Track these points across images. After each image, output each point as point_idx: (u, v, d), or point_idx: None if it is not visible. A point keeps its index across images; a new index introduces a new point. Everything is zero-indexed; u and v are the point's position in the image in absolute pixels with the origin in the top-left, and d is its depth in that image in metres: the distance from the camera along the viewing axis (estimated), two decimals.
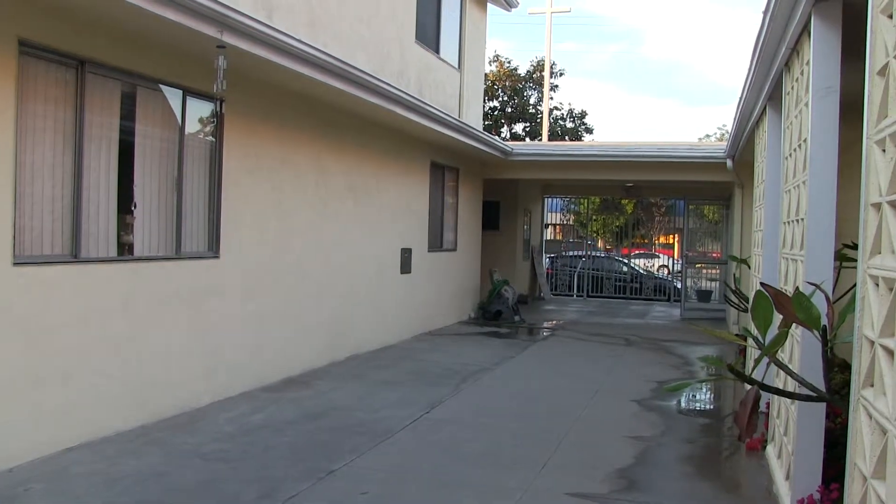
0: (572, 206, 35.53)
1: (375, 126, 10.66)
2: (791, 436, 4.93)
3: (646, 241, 47.64)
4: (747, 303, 11.14)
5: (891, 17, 2.85)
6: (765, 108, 8.33)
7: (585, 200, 37.48)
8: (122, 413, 6.23)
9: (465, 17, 14.47)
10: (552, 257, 24.13)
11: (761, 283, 4.19)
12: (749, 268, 11.67)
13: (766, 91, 7.65)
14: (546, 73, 24.19)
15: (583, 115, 32.11)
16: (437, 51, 13.13)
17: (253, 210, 8.01)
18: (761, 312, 3.98)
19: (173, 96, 6.82)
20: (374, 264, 10.98)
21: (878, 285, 2.85)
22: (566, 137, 31.24)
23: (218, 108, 7.32)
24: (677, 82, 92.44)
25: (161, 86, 6.69)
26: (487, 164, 15.69)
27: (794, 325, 3.91)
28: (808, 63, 5.33)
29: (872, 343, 2.85)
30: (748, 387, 3.82)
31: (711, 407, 8.81)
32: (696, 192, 18.66)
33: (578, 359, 11.21)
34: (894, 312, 2.63)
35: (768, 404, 6.53)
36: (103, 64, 5.98)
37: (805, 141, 5.32)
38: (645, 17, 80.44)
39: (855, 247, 8.15)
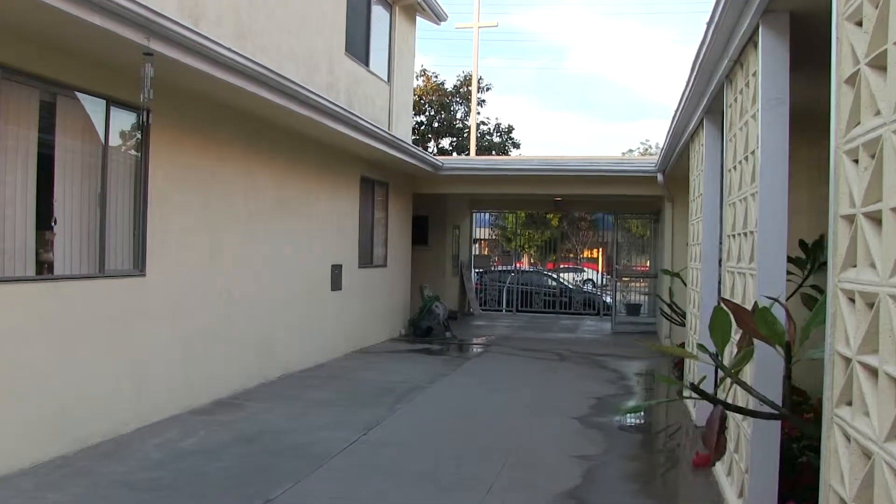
0: (498, 222, 35.67)
1: (306, 140, 10.38)
2: (744, 453, 4.87)
3: (571, 255, 48.39)
4: (683, 317, 11.26)
5: (859, 23, 2.79)
6: (702, 121, 8.38)
7: (511, 215, 37.76)
8: (39, 442, 5.78)
9: (395, 31, 14.31)
10: (480, 272, 24.08)
11: (721, 298, 4.13)
12: (683, 281, 11.80)
13: (705, 104, 7.69)
14: (474, 88, 24.20)
15: (510, 129, 32.30)
16: (366, 63, 12.92)
17: (181, 225, 7.63)
18: (719, 328, 3.88)
19: (96, 106, 6.42)
20: (305, 281, 10.67)
21: (853, 300, 2.76)
22: (493, 152, 31.35)
23: (144, 119, 6.93)
24: (597, 98, 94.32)
25: (83, 95, 6.28)
26: (417, 179, 15.52)
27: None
28: (754, 74, 5.33)
29: (848, 360, 2.76)
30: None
31: (648, 422, 8.78)
32: (625, 207, 18.88)
33: (513, 375, 11.09)
34: (875, 328, 2.53)
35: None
36: (20, 70, 5.57)
37: (752, 153, 5.29)
38: (566, 33, 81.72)
39: (792, 260, 8.28)
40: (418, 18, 15.75)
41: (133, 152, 7.02)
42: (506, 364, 12.20)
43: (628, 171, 14.69)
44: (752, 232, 5.25)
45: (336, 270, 11.74)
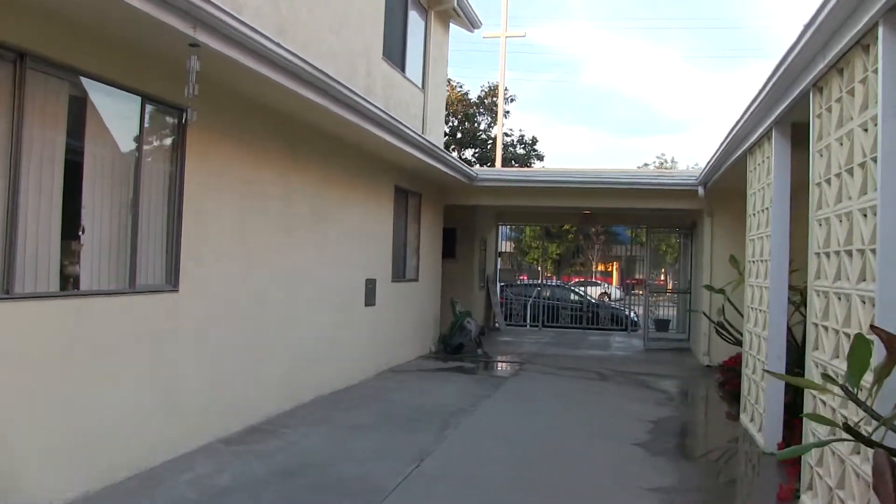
0: (513, 234, 35.04)
1: (341, 146, 9.81)
2: (854, 491, 4.27)
3: (584, 268, 47.75)
4: (735, 336, 10.61)
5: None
6: (769, 132, 7.80)
7: (528, 228, 37.10)
8: (62, 477, 5.18)
9: (430, 37, 13.77)
10: (503, 286, 23.45)
11: (871, 326, 3.50)
12: (728, 298, 11.14)
13: (779, 114, 7.12)
14: (500, 98, 23.61)
15: (534, 141, 31.73)
16: (402, 69, 12.37)
17: (215, 236, 7.06)
18: (858, 358, 3.32)
19: (130, 103, 5.84)
20: (339, 296, 10.07)
21: None
22: (515, 164, 30.76)
23: (181, 119, 6.37)
24: (607, 113, 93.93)
25: (116, 90, 5.69)
26: (449, 190, 14.94)
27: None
28: (862, 81, 4.77)
29: None
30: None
31: (709, 447, 8.13)
32: (657, 221, 18.22)
33: (558, 396, 10.44)
34: None
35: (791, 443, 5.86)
36: (48, 59, 4.99)
37: (862, 164, 4.73)
38: (577, 47, 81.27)
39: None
40: (451, 25, 15.22)
41: (169, 154, 6.45)
42: (546, 384, 11.56)
43: (668, 185, 14.08)
44: (863, 250, 4.65)
45: (370, 285, 11.14)
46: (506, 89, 29.36)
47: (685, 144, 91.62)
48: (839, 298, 5.13)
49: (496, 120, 29.70)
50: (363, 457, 6.72)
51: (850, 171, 5.03)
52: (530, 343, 17.36)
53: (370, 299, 11.15)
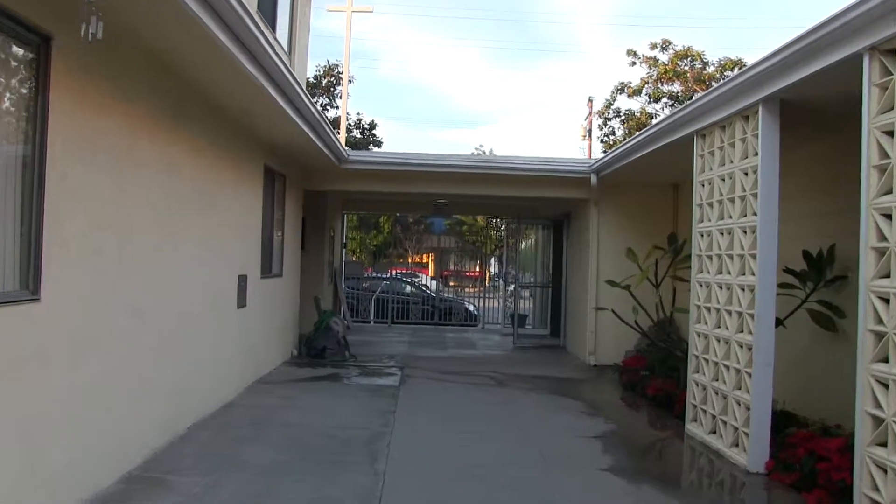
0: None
1: (217, 113, 7.93)
2: None
3: (400, 259, 46.96)
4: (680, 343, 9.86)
5: None
6: (756, 107, 6.95)
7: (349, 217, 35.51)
8: None
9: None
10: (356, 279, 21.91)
11: None
12: (632, 295, 10.36)
13: (779, 89, 6.25)
14: (346, 73, 21.67)
15: (372, 126, 30.13)
16: (273, 29, 10.50)
17: (87, 220, 5.10)
18: None
19: None
20: (213, 297, 8.19)
21: None
22: (354, 149, 29.10)
23: (44, 51, 4.43)
24: (408, 106, 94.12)
25: None
26: (313, 172, 13.18)
27: None
28: None
29: None
30: None
31: (680, 469, 7.18)
32: (525, 211, 17.36)
33: (470, 409, 9.11)
34: None
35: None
36: None
37: None
38: (375, 38, 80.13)
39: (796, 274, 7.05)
40: None
41: (24, 100, 4.46)
42: (445, 393, 10.27)
43: (558, 172, 13.15)
44: None
45: (242, 283, 9.29)
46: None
47: (488, 137, 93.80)
48: None
49: (333, 102, 27.94)
50: None
51: None
52: (392, 343, 15.96)
53: (241, 300, 9.30)
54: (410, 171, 13.04)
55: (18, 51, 4.35)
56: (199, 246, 7.55)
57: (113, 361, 5.55)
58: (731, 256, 7.36)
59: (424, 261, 50.93)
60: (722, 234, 7.59)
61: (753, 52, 60.08)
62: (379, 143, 30.69)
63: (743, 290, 7.07)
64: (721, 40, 66.55)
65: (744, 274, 7.07)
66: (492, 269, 40.75)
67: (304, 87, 8.47)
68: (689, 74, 27.79)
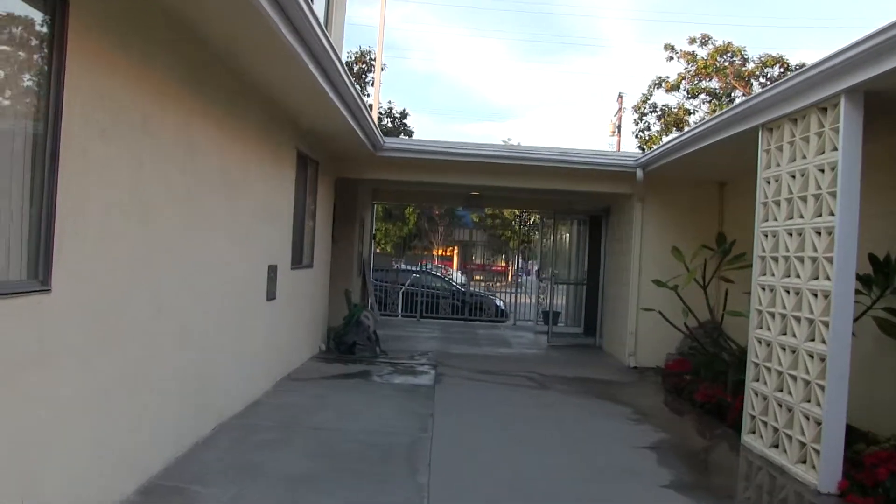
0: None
1: (247, 87, 7.39)
2: None
3: (426, 252, 46.35)
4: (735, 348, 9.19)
5: None
6: (821, 104, 6.29)
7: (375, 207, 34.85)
8: None
9: None
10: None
11: None
12: (679, 296, 9.72)
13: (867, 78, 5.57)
14: (378, 61, 21.09)
15: (403, 114, 29.52)
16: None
17: (104, 201, 4.55)
18: None
19: None
20: (241, 288, 7.66)
21: None
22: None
23: (58, 14, 3.88)
24: (433, 98, 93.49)
25: None
26: (346, 160, 12.61)
27: None
28: None
29: None
30: None
31: (746, 486, 6.55)
32: (561, 206, 16.66)
33: (510, 413, 8.50)
34: None
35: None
36: None
37: None
38: (403, 32, 79.43)
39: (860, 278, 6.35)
40: None
41: (38, 67, 3.92)
42: (482, 394, 9.70)
43: (603, 165, 12.48)
44: None
45: (272, 274, 8.75)
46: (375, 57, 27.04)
47: (515, 131, 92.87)
48: None
49: (364, 90, 27.36)
50: None
51: None
52: (422, 338, 15.39)
53: (271, 292, 8.77)
54: (447, 161, 12.39)
55: (31, 6, 3.80)
56: (224, 232, 7.00)
57: (130, 359, 5.01)
58: (801, 259, 6.74)
59: (448, 254, 50.34)
60: (791, 234, 6.96)
61: (791, 51, 58.79)
62: (410, 133, 30.07)
63: (815, 295, 6.42)
64: (743, 38, 65.03)
65: (816, 278, 6.44)
66: (517, 264, 40.04)
67: (344, 65, 7.86)
68: (728, 70, 26.95)
